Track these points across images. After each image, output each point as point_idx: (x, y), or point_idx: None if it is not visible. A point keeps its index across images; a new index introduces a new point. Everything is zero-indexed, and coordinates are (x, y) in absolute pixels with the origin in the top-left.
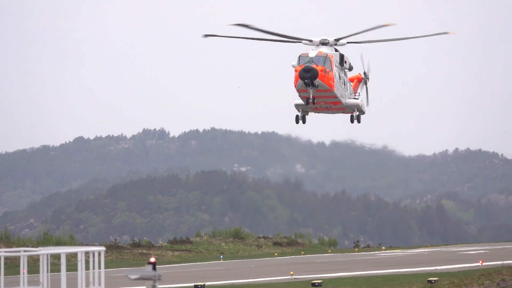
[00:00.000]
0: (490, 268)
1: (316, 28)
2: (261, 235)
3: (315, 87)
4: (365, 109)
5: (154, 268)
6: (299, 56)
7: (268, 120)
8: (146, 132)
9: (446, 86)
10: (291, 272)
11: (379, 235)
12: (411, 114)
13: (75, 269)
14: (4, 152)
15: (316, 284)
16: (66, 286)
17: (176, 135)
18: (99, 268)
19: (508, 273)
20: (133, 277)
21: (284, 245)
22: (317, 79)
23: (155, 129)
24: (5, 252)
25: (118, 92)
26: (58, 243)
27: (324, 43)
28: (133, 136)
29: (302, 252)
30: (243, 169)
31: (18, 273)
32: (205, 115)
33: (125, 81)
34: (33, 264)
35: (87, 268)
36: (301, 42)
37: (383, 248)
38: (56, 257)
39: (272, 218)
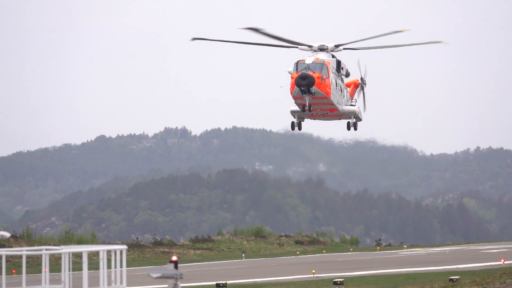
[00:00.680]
0: None
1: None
2: (282, 234)
3: (311, 94)
4: (362, 116)
5: (176, 267)
6: (296, 62)
7: (290, 119)
8: (168, 130)
9: (468, 85)
10: (313, 271)
11: (400, 233)
12: (432, 113)
13: (97, 268)
14: (26, 151)
15: (338, 282)
16: (88, 285)
17: (198, 134)
18: (121, 266)
19: None
20: (154, 275)
21: (306, 244)
22: (314, 87)
23: (176, 127)
24: (27, 250)
25: (140, 91)
26: (80, 241)
27: (322, 49)
28: (155, 135)
29: (324, 251)
30: (265, 167)
31: (40, 271)
32: (227, 114)
33: (147, 79)
34: (55, 263)
35: (109, 266)
36: (297, 47)
37: (405, 246)
38: (78, 255)
39: (293, 216)
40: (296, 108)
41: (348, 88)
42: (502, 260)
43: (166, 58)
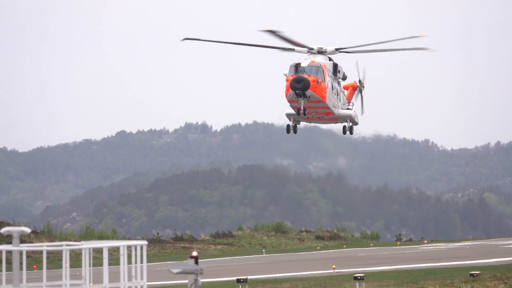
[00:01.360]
0: None
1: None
2: (303, 229)
3: (306, 97)
4: (358, 120)
5: (196, 262)
6: (291, 65)
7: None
8: (188, 126)
9: (488, 80)
10: (334, 266)
11: (421, 228)
12: (453, 108)
13: (117, 263)
14: (46, 146)
15: (358, 277)
16: (108, 280)
17: (218, 129)
18: (141, 262)
19: None
20: (175, 271)
21: (326, 239)
22: (309, 90)
23: (197, 123)
24: (48, 246)
25: (161, 86)
26: (101, 237)
27: (320, 51)
28: (175, 130)
29: (344, 246)
30: (285, 162)
31: (60, 267)
32: (247, 109)
33: (168, 75)
34: (75, 258)
35: (129, 262)
36: (294, 50)
37: (425, 241)
38: (98, 251)
39: (314, 211)
40: (291, 111)
41: (345, 91)
42: None
43: (187, 54)
